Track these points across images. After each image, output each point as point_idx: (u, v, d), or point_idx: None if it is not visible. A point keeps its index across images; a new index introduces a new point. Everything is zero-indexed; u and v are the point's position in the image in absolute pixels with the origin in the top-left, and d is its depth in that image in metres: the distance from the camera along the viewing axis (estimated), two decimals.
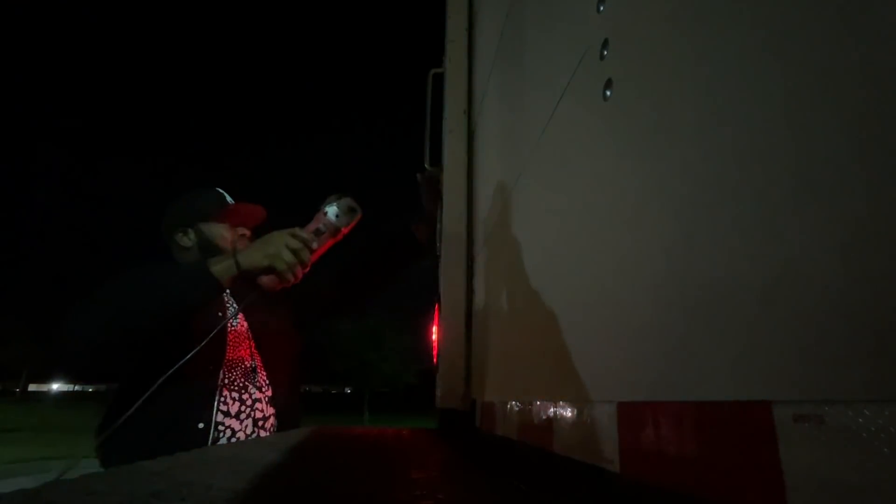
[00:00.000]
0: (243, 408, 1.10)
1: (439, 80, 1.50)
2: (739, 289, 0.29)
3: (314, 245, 1.06)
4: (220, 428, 1.05)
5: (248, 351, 1.17)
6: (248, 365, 1.16)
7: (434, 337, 1.34)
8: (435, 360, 1.32)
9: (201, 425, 1.03)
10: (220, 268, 1.00)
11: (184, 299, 0.98)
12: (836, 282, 0.23)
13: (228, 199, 1.32)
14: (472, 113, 1.40)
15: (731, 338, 0.30)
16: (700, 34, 0.36)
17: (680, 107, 0.38)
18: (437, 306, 1.31)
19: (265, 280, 1.03)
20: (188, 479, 0.40)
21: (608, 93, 0.50)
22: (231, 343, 1.14)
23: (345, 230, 1.10)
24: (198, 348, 0.96)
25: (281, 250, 1.03)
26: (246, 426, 1.10)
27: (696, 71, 0.36)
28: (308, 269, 1.06)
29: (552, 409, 0.59)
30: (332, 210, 1.08)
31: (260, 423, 1.13)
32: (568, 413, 0.54)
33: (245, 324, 1.21)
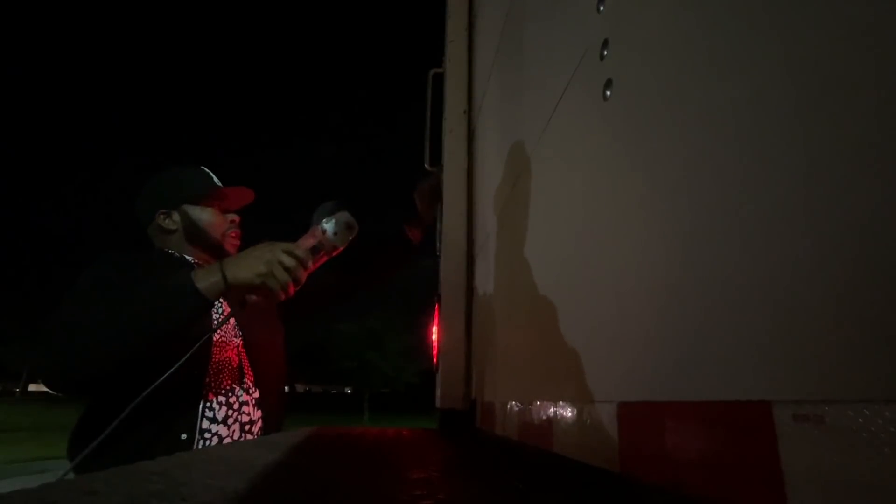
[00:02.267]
0: (230, 412, 1.04)
1: (439, 80, 1.50)
2: (739, 289, 0.29)
3: (309, 263, 1.00)
4: (207, 435, 1.00)
5: (235, 351, 1.11)
6: (236, 366, 1.09)
7: (434, 337, 1.34)
8: (435, 360, 1.32)
9: (184, 436, 0.97)
10: (208, 284, 0.92)
11: (169, 319, 0.90)
12: (837, 282, 0.23)
13: (216, 180, 1.23)
14: (472, 113, 1.40)
15: (731, 338, 0.30)
16: (700, 34, 0.36)
17: (680, 107, 0.38)
18: (437, 306, 1.31)
19: (253, 298, 0.98)
20: (188, 479, 0.40)
21: (608, 93, 0.50)
22: (218, 344, 1.07)
23: (341, 248, 1.06)
24: (177, 364, 0.89)
25: (274, 268, 0.94)
26: (234, 431, 1.04)
27: (696, 71, 0.36)
28: (300, 286, 1.00)
29: (552, 410, 0.59)
30: (330, 227, 1.03)
31: (247, 428, 1.08)
32: (568, 413, 0.54)
33: (232, 320, 1.13)
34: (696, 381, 0.33)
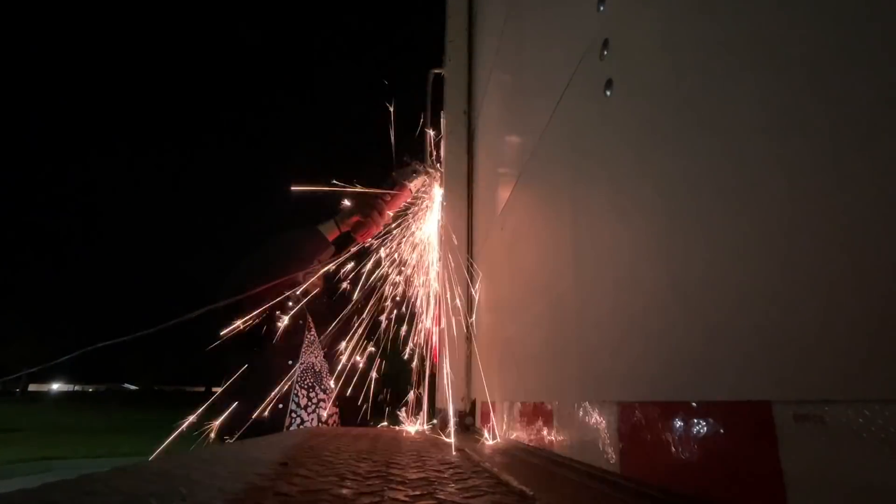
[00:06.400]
0: (310, 403, 1.36)
1: (439, 80, 1.50)
2: (739, 289, 0.29)
3: (387, 198, 1.39)
4: (293, 415, 1.30)
5: (318, 358, 1.46)
6: (317, 370, 1.43)
7: (434, 337, 1.34)
8: (435, 359, 1.32)
9: (281, 406, 1.29)
10: (324, 227, 1.40)
11: (305, 251, 1.36)
12: (836, 283, 0.23)
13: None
14: (472, 113, 1.40)
15: (731, 338, 0.30)
16: (699, 34, 0.36)
17: (679, 106, 0.38)
18: (437, 306, 1.31)
19: (358, 232, 1.38)
20: (188, 479, 0.40)
21: (608, 93, 0.50)
22: (306, 348, 1.43)
23: (412, 188, 1.42)
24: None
25: (366, 203, 1.39)
26: (312, 419, 1.34)
27: (695, 71, 0.36)
28: (388, 220, 1.42)
29: (552, 410, 0.59)
30: (398, 173, 1.40)
31: (324, 419, 1.37)
32: (568, 413, 0.54)
33: (316, 338, 1.48)
34: (696, 382, 0.33)
